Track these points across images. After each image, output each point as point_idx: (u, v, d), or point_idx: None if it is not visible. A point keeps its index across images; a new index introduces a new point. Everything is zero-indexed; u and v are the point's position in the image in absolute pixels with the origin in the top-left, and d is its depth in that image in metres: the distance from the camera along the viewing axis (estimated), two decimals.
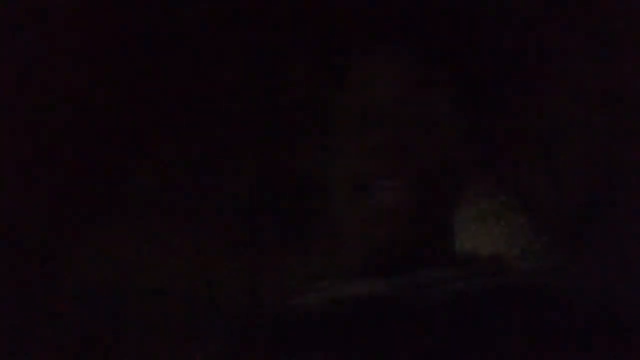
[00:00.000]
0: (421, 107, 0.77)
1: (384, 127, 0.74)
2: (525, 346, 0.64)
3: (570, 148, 1.00)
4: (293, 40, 0.96)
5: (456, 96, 0.81)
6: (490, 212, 1.01)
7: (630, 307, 0.70)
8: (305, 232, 1.00)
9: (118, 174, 1.06)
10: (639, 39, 0.94)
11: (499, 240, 1.00)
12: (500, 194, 1.01)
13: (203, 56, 1.01)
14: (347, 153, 0.77)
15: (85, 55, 1.00)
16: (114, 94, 1.02)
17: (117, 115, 1.04)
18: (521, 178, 1.03)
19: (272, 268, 1.02)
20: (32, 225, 1.03)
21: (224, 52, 1.01)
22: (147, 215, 1.06)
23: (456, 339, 0.66)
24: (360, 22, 0.86)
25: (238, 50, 1.00)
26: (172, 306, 1.04)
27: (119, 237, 1.05)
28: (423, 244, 0.74)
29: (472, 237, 0.98)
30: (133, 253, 1.04)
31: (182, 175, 1.06)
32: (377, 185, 0.73)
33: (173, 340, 1.03)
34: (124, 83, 1.02)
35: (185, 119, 1.04)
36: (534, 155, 1.03)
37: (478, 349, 0.65)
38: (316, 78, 0.89)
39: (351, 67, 0.82)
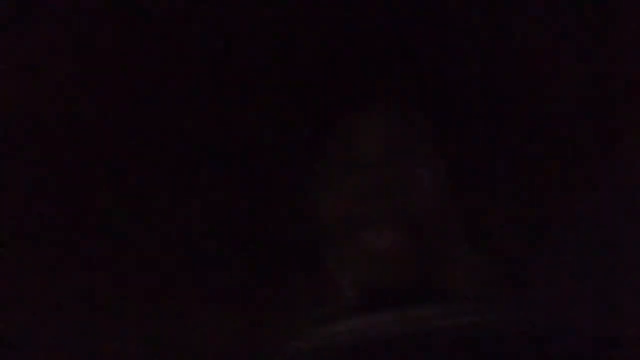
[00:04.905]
0: (410, 154, 0.82)
1: (375, 172, 0.78)
2: None
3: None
4: (293, 94, 1.00)
5: (442, 145, 0.85)
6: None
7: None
8: (298, 274, 1.02)
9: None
10: None
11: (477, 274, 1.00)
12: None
13: (202, 107, 1.04)
14: (340, 196, 0.80)
15: None
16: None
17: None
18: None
19: (265, 313, 1.03)
20: None
21: (222, 104, 1.04)
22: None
23: None
24: (353, 81, 0.91)
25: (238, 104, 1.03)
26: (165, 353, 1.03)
27: None
28: (414, 283, 0.76)
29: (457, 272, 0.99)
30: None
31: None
32: (369, 227, 0.76)
33: None
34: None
35: (183, 168, 1.06)
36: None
37: None
38: (312, 127, 0.93)
39: (343, 119, 0.87)
